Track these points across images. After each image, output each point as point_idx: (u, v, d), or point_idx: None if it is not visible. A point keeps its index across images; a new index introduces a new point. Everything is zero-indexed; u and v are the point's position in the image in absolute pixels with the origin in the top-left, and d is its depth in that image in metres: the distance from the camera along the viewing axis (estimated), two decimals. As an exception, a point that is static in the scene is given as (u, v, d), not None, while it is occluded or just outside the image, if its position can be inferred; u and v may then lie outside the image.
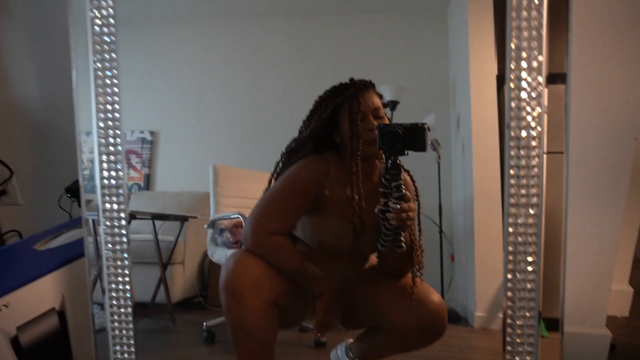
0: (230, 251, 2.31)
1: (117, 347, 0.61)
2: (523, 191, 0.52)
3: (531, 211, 0.52)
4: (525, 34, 0.50)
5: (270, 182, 1.34)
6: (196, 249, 3.34)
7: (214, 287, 3.36)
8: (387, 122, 1.32)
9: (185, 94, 4.07)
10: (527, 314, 0.51)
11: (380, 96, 1.36)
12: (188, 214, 2.98)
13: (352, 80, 1.35)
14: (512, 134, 0.49)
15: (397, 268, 1.30)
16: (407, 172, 1.36)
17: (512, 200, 0.52)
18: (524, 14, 0.52)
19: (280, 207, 1.26)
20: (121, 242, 0.60)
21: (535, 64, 0.50)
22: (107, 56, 0.63)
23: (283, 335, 2.36)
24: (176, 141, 4.01)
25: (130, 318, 0.61)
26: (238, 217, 2.22)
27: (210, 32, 4.12)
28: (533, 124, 0.49)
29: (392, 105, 3.18)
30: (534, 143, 0.52)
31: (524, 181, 0.52)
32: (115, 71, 0.62)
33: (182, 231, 2.95)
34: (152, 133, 4.06)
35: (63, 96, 1.56)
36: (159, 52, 4.17)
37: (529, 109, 0.51)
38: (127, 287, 0.59)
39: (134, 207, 3.59)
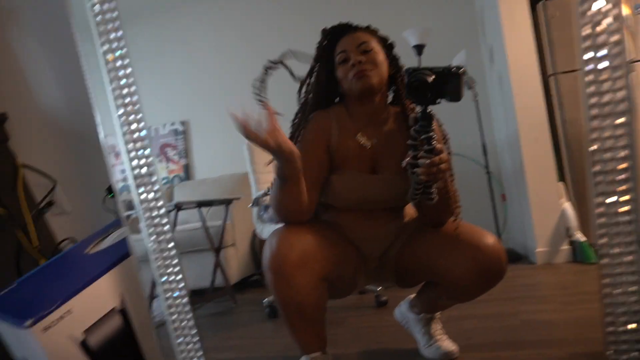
0: (279, 226, 2.30)
1: (181, 339, 0.59)
2: (606, 98, 0.44)
3: (619, 120, 0.44)
4: None
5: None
6: (245, 230, 3.38)
7: (269, 263, 3.42)
8: (376, 56, 1.22)
9: (210, 80, 4.04)
10: (626, 240, 0.44)
11: (374, 32, 1.28)
12: (231, 197, 3.00)
13: (333, 26, 1.28)
14: (586, 32, 0.40)
15: (434, 218, 1.23)
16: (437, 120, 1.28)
17: (594, 112, 0.44)
18: None
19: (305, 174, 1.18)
20: (164, 232, 0.57)
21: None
22: (112, 35, 0.58)
23: (343, 299, 2.37)
24: (207, 127, 4.02)
25: (187, 308, 0.58)
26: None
27: (230, 15, 4.03)
28: (613, 28, 0.41)
29: (419, 49, 3.01)
30: (615, 38, 0.43)
31: (606, 86, 0.44)
32: (124, 50, 0.58)
33: (229, 214, 2.99)
34: (183, 123, 4.09)
35: (86, 98, 1.55)
36: (176, 44, 4.13)
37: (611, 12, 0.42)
38: (179, 276, 0.56)
39: (179, 198, 3.67)
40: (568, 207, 2.54)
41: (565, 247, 2.57)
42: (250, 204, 2.46)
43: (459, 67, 0.98)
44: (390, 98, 1.33)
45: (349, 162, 1.23)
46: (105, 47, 0.59)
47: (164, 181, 4.06)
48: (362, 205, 1.22)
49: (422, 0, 3.50)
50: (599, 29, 0.44)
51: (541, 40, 2.62)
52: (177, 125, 4.09)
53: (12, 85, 1.53)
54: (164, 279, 0.57)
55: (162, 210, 0.56)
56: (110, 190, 1.31)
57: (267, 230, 2.40)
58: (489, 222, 3.04)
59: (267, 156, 2.70)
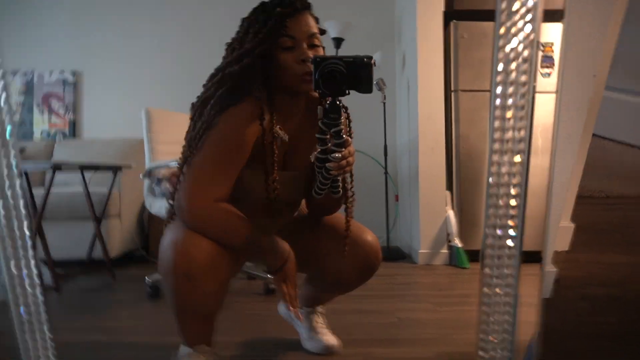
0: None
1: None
2: (509, 135, 0.46)
3: (517, 159, 0.47)
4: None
5: (193, 126, 1.10)
6: (133, 201, 3.15)
7: (156, 239, 3.23)
8: (321, 52, 1.11)
9: (112, 30, 3.65)
10: (507, 251, 0.47)
11: (317, 19, 1.16)
12: (121, 163, 2.76)
13: (280, 2, 1.10)
14: (500, 67, 0.41)
15: (326, 210, 1.26)
16: (344, 107, 1.15)
17: (497, 146, 0.46)
18: None
19: (220, 169, 1.06)
20: (20, 216, 0.47)
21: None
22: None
23: (232, 283, 2.33)
24: (103, 82, 3.65)
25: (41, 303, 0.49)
26: (177, 166, 2.07)
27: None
28: (523, 68, 0.42)
29: (337, 42, 3.03)
30: (523, 78, 0.45)
31: (510, 123, 0.46)
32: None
33: (117, 182, 2.76)
34: (74, 73, 3.66)
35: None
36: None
37: (520, 36, 0.43)
38: (34, 270, 0.47)
39: (59, 156, 3.29)
40: (451, 214, 2.76)
41: (444, 250, 2.79)
42: (142, 175, 2.29)
43: (369, 57, 0.94)
44: None
45: (262, 156, 1.12)
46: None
47: (44, 134, 3.61)
48: (265, 200, 1.17)
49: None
50: (511, 67, 0.45)
51: (449, 57, 2.79)
52: (67, 75, 3.65)
53: None
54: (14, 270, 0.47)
55: (17, 183, 0.46)
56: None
57: (158, 204, 2.25)
58: (381, 219, 3.20)
59: (167, 127, 2.49)
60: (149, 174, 2.26)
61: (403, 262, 2.91)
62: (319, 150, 0.99)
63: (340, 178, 1.08)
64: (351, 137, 1.20)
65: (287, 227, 1.28)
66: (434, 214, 2.80)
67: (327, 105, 0.95)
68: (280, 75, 1.10)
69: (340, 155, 0.98)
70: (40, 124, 3.60)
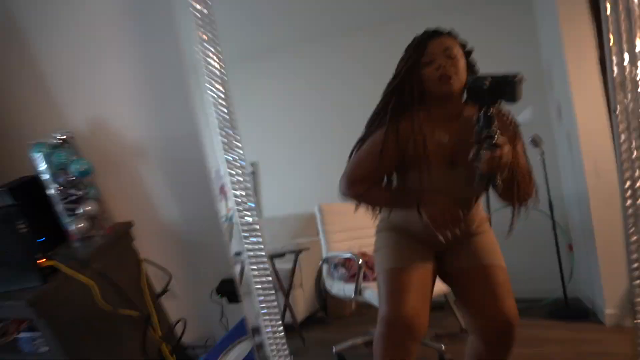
0: (348, 285, 2.46)
1: None
2: None
3: None
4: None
5: (370, 125, 1.52)
6: (310, 269, 3.57)
7: (333, 301, 3.59)
8: (458, 62, 1.36)
9: (280, 121, 4.23)
10: None
11: (462, 45, 1.43)
12: (298, 240, 3.20)
13: (422, 34, 1.44)
14: (620, 116, 0.46)
15: (510, 199, 1.43)
16: (512, 121, 1.41)
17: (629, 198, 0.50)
18: None
19: (370, 163, 1.44)
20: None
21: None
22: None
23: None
24: (276, 168, 4.23)
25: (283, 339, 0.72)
26: (350, 257, 2.36)
27: (299, 57, 4.19)
28: None
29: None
30: None
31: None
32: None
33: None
34: (252, 164, 4.32)
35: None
36: (248, 85, 4.35)
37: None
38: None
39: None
40: None
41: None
42: (321, 262, 2.65)
43: (514, 75, 1.13)
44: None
45: (428, 157, 1.37)
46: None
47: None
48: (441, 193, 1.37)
49: (489, 55, 3.52)
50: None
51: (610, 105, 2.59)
52: (247, 166, 4.32)
53: (138, 200, 1.82)
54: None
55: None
56: (218, 291, 1.53)
57: (337, 286, 2.56)
58: (554, 271, 3.03)
59: (337, 218, 2.84)
60: (327, 260, 2.61)
61: (587, 322, 2.72)
62: (474, 152, 1.18)
63: (498, 175, 1.22)
64: (524, 153, 1.48)
65: (461, 241, 1.48)
66: (616, 267, 2.57)
67: (480, 115, 1.16)
68: (427, 85, 1.39)
69: (489, 155, 1.15)
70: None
